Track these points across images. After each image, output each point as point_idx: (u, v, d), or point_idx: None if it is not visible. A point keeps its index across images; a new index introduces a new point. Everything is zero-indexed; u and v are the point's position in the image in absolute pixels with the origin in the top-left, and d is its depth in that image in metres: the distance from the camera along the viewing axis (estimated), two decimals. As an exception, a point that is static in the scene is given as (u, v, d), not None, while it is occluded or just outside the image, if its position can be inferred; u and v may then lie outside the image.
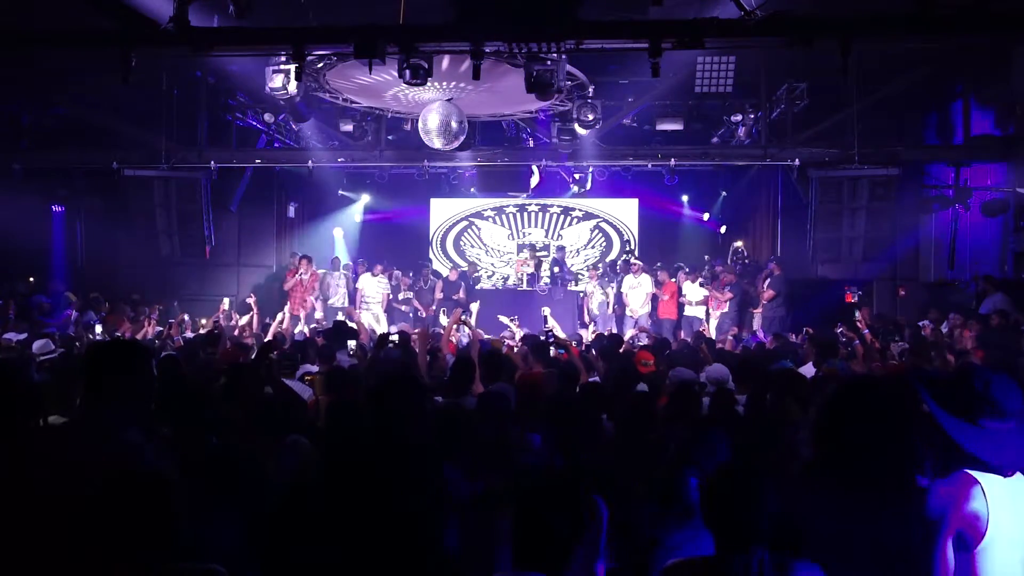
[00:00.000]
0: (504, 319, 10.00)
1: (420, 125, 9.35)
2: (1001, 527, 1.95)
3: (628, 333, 10.09)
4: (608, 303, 12.22)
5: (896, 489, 2.13)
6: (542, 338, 6.79)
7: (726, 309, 11.26)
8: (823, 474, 2.23)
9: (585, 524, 2.16)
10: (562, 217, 15.85)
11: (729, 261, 13.16)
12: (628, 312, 11.92)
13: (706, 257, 13.48)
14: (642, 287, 11.94)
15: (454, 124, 9.09)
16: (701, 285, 11.68)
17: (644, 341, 8.36)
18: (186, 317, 10.25)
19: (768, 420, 3.70)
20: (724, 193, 14.14)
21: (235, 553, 2.55)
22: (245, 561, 2.51)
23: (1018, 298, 9.09)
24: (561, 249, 14.16)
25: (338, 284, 12.62)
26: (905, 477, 2.17)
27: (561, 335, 7.67)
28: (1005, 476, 2.01)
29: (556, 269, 13.39)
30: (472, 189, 14.19)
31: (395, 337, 6.28)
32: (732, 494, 1.84)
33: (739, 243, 13.87)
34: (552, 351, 5.98)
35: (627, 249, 14.75)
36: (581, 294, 13.05)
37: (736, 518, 1.82)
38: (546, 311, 9.42)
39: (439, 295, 12.48)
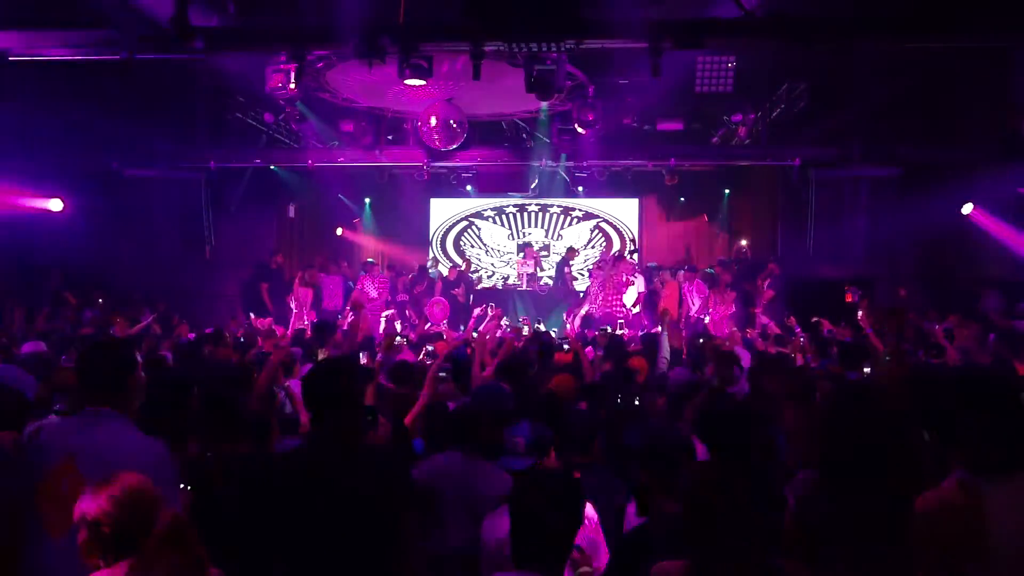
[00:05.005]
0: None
1: (420, 124, 9.37)
2: (1002, 530, 1.90)
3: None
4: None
5: (893, 491, 2.12)
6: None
7: (733, 310, 11.21)
8: (824, 478, 2.22)
9: (581, 523, 2.17)
10: (562, 217, 15.84)
11: (729, 260, 13.14)
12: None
13: (713, 267, 13.44)
14: (635, 287, 11.92)
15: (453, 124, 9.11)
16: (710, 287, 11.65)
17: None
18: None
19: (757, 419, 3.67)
20: (728, 191, 14.17)
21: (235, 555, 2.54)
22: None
23: (1018, 298, 9.08)
24: (571, 250, 14.13)
25: (337, 286, 12.62)
26: (902, 479, 2.16)
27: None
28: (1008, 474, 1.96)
29: (565, 269, 13.43)
30: (468, 188, 14.20)
31: (401, 340, 6.28)
32: (712, 496, 1.83)
33: (744, 242, 13.87)
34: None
35: (631, 250, 14.77)
36: (581, 294, 13.05)
37: (717, 519, 1.81)
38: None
39: (438, 295, 12.50)
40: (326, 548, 2.28)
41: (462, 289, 12.84)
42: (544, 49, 6.72)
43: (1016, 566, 1.90)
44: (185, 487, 2.61)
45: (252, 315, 9.96)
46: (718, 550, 1.80)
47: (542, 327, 10.58)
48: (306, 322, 10.86)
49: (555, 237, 15.80)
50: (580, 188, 13.95)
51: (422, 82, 7.54)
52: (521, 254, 14.74)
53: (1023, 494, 1.94)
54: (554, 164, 11.97)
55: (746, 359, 5.82)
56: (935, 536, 1.93)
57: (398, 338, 7.81)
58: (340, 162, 11.99)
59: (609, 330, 9.70)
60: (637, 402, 4.59)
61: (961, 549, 1.91)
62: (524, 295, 13.33)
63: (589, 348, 7.08)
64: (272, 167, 12.31)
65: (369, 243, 15.25)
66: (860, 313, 7.24)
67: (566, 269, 13.48)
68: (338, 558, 2.28)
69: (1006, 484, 1.95)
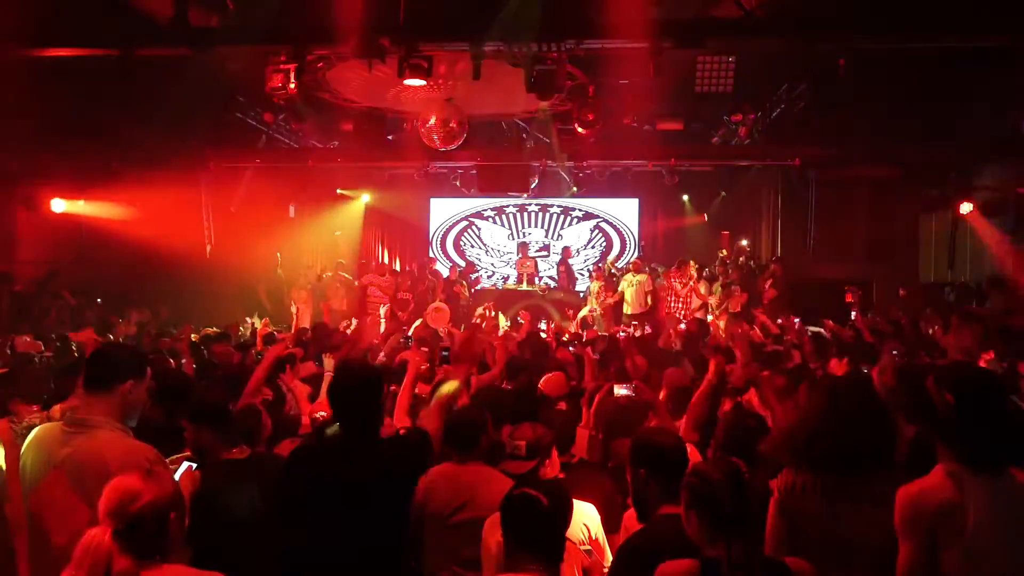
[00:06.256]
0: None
1: (420, 124, 9.37)
2: (983, 523, 1.91)
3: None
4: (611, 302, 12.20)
5: (880, 486, 2.12)
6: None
7: (738, 310, 11.18)
8: (812, 474, 2.22)
9: (569, 523, 2.18)
10: (562, 217, 15.84)
11: (737, 259, 13.13)
12: (627, 310, 11.89)
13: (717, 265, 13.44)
14: (641, 285, 11.91)
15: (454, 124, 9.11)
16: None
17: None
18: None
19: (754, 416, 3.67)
20: (723, 193, 14.15)
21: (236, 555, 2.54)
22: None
23: (1017, 299, 9.08)
24: (566, 249, 14.14)
25: (339, 285, 12.62)
26: (887, 474, 2.16)
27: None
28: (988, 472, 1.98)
29: (562, 269, 13.42)
30: (473, 189, 14.20)
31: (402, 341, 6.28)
32: (716, 491, 1.83)
33: (744, 242, 13.87)
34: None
35: (637, 255, 14.78)
36: (582, 293, 13.06)
37: (720, 516, 1.81)
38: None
39: (439, 294, 12.50)
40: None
41: (462, 288, 12.85)
42: (544, 49, 6.72)
43: (993, 561, 1.91)
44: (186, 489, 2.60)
45: (249, 319, 9.95)
46: (724, 550, 1.80)
47: (543, 327, 10.58)
48: (295, 311, 10.86)
49: (555, 237, 15.80)
50: (574, 188, 13.90)
51: (422, 82, 7.54)
52: (519, 255, 14.75)
53: (1007, 492, 1.96)
54: (554, 164, 11.97)
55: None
56: (916, 523, 1.93)
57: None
58: (340, 162, 11.99)
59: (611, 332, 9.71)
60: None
61: (941, 538, 1.92)
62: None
63: (588, 349, 7.09)
64: (272, 167, 12.32)
65: (368, 243, 15.25)
66: (854, 314, 7.25)
67: (561, 268, 13.49)
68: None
69: (992, 482, 1.97)
